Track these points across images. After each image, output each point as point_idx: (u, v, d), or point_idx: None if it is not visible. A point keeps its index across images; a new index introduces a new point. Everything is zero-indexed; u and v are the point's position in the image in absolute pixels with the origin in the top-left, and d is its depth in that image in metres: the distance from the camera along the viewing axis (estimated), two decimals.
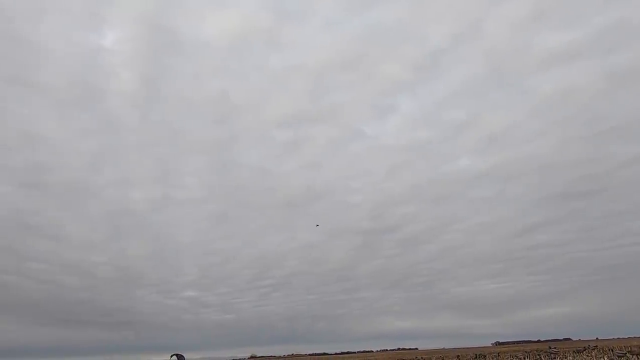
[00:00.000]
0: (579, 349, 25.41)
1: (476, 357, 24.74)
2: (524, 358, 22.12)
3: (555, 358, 18.16)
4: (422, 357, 39.57)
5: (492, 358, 26.47)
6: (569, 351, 25.56)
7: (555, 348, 23.01)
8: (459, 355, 29.84)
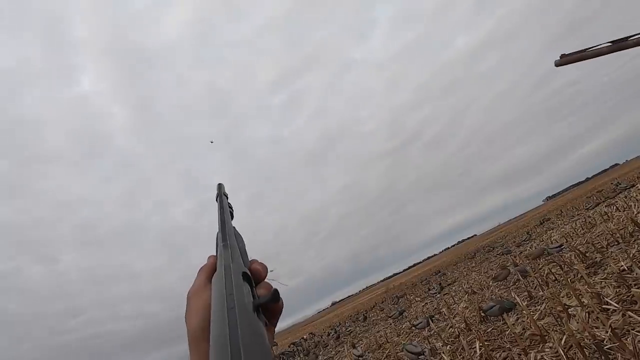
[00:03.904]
0: None
1: (541, 223, 24.03)
2: (590, 201, 21.00)
3: (628, 188, 16.94)
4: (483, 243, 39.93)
5: (556, 215, 25.74)
6: (633, 177, 24.31)
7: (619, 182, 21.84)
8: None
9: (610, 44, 1.36)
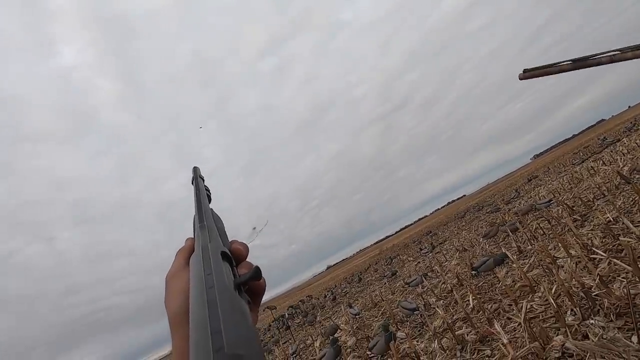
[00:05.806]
0: (628, 125, 24.34)
1: (529, 180, 24.56)
2: (576, 157, 21.47)
3: (614, 142, 17.25)
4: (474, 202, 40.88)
5: (543, 172, 26.32)
6: (619, 131, 24.64)
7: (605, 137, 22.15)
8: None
9: (571, 62, 1.53)
